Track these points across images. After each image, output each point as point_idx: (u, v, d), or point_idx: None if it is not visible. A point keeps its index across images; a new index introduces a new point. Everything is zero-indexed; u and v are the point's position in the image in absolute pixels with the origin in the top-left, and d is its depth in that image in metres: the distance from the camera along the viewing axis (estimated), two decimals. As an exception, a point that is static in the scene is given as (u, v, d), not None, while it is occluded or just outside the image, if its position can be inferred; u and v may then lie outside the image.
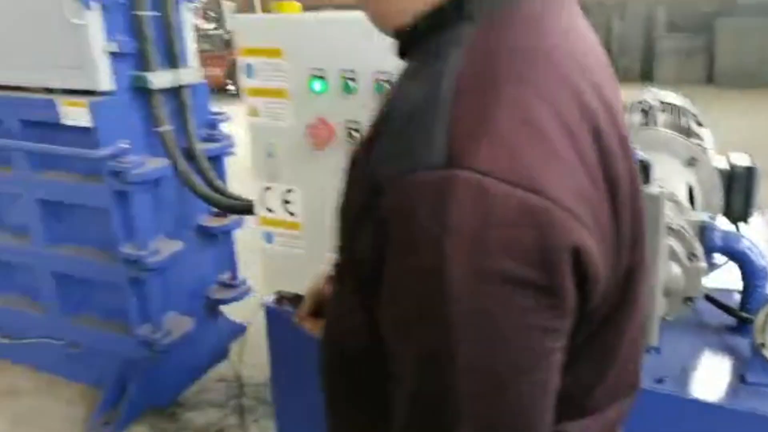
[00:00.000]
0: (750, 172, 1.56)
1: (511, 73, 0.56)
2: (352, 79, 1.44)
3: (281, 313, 1.85)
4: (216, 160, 2.64)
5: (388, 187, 0.54)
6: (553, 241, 0.51)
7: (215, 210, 2.71)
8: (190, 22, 2.42)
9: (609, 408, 0.74)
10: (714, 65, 10.95)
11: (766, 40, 10.41)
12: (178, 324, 2.62)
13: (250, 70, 1.57)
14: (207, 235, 2.77)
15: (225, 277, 2.91)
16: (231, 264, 2.90)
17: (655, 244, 1.08)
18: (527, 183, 0.51)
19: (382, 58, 1.38)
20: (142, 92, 2.33)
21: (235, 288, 2.88)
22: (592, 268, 0.55)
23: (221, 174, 2.67)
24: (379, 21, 0.72)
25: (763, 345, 1.22)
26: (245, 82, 1.59)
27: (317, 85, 1.50)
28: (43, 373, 2.93)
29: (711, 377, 1.30)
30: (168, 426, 2.63)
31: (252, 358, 2.87)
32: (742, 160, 1.61)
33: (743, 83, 10.23)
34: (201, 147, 2.52)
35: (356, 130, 1.49)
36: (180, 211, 2.62)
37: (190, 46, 2.43)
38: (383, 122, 0.63)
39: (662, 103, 1.78)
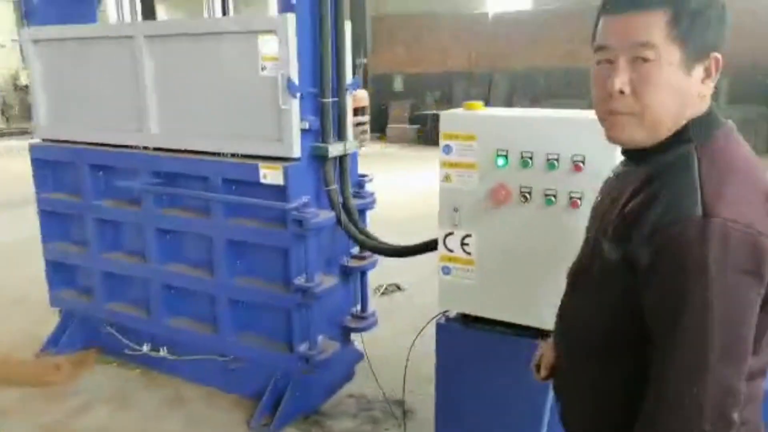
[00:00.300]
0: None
1: (729, 172, 1.15)
2: (530, 158, 2.07)
3: (449, 329, 2.43)
4: (361, 212, 3.28)
5: (669, 228, 1.10)
6: (763, 251, 1.08)
7: (355, 252, 3.34)
8: (351, 104, 3.10)
9: None
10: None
11: None
12: (326, 345, 3.20)
13: (448, 149, 2.21)
14: (347, 273, 3.38)
15: (356, 309, 3.50)
16: (363, 298, 3.49)
17: None
18: (750, 224, 1.08)
19: (553, 143, 2.02)
20: (317, 159, 3.00)
21: (365, 319, 3.46)
22: None
23: (364, 223, 3.30)
24: (634, 144, 1.27)
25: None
26: (442, 157, 2.23)
27: (500, 161, 2.13)
28: (203, 385, 3.52)
29: None
30: (316, 430, 3.17)
31: (371, 381, 3.43)
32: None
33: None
34: (353, 202, 3.17)
35: (529, 193, 2.11)
36: (331, 252, 3.24)
37: (351, 122, 3.11)
38: (646, 205, 1.16)
39: None
